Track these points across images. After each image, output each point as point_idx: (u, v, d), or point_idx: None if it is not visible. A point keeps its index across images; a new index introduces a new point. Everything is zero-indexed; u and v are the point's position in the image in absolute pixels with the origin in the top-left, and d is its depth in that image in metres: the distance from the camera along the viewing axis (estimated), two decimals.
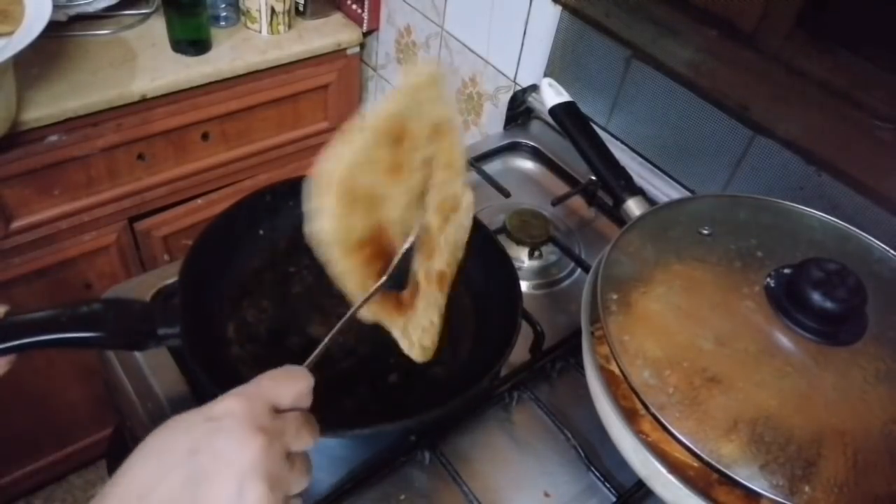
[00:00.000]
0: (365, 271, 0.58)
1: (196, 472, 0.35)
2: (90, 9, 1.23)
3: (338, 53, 1.43)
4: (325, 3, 1.45)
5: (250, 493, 0.35)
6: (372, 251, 0.58)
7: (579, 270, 0.90)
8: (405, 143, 0.59)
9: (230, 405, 0.37)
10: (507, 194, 0.96)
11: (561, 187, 1.03)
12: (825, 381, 0.53)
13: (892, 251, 0.64)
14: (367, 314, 0.60)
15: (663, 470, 0.53)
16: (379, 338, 0.63)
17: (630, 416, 0.56)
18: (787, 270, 0.59)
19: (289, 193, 0.81)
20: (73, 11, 1.21)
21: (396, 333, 0.63)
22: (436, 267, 0.64)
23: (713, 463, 0.50)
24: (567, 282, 0.91)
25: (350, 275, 0.58)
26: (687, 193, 0.94)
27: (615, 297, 0.60)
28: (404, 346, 0.63)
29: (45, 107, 1.11)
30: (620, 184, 0.80)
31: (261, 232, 0.79)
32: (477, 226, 0.80)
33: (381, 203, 0.59)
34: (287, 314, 0.75)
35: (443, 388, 0.69)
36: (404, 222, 0.61)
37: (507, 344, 0.67)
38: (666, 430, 0.51)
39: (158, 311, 0.62)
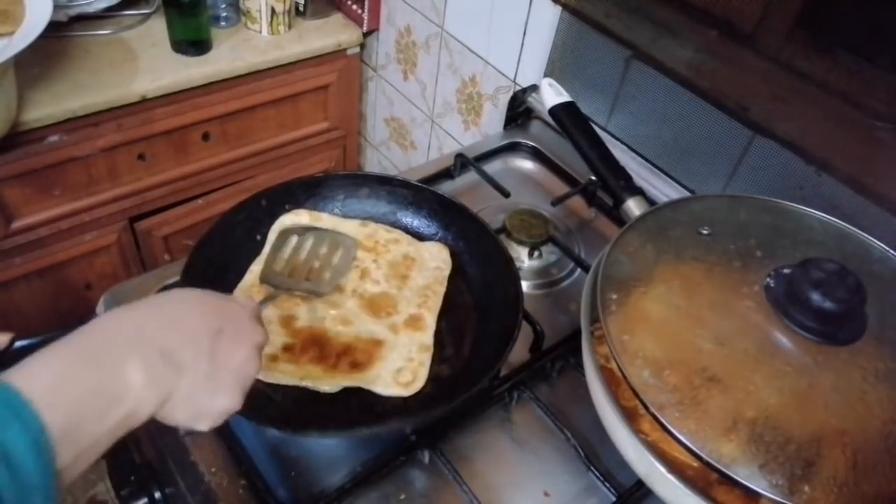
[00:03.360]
0: (319, 365, 0.69)
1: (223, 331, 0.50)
2: (90, 9, 1.24)
3: (338, 54, 1.43)
4: (325, 4, 1.45)
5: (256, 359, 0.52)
6: (314, 352, 0.70)
7: (579, 270, 0.90)
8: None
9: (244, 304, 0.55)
10: (506, 194, 0.96)
11: (561, 187, 1.03)
12: (825, 380, 0.53)
13: (891, 251, 0.64)
14: (328, 387, 0.67)
15: (663, 469, 0.53)
16: None
17: (630, 416, 0.56)
18: (786, 270, 0.59)
19: (284, 198, 0.82)
20: (73, 12, 1.21)
21: (367, 385, 0.68)
22: (401, 318, 0.74)
23: (713, 462, 0.50)
24: (567, 282, 0.91)
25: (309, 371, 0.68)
26: (687, 193, 0.94)
27: (615, 297, 0.60)
28: (379, 390, 0.67)
29: (46, 107, 1.11)
30: (620, 184, 0.80)
31: (258, 237, 0.79)
32: (479, 225, 0.81)
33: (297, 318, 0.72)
34: None
35: (446, 386, 0.69)
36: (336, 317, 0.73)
37: (508, 340, 0.67)
38: (666, 430, 0.51)
39: None
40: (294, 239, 0.75)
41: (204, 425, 0.49)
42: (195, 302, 0.51)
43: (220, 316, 0.50)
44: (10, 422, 0.35)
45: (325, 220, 0.82)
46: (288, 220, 0.81)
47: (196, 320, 0.49)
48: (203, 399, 0.47)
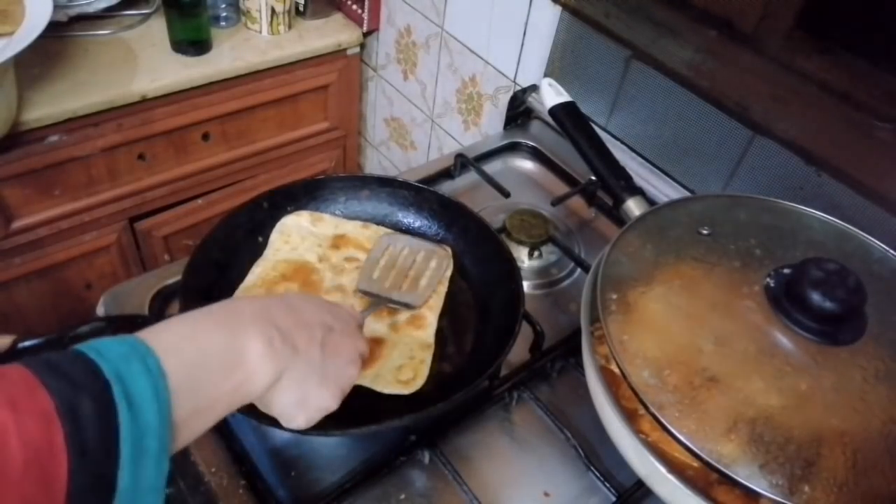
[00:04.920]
0: None
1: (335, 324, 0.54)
2: (90, 9, 1.24)
3: (338, 54, 1.44)
4: (325, 4, 1.45)
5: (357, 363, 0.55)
6: None
7: (579, 270, 0.90)
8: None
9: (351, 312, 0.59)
10: (507, 194, 0.96)
11: (561, 187, 1.03)
12: (825, 381, 0.53)
13: (892, 251, 0.64)
14: None
15: (663, 470, 0.53)
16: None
17: (630, 416, 0.56)
18: (786, 270, 0.59)
19: (286, 200, 0.82)
20: (73, 12, 1.21)
21: (367, 383, 0.67)
22: (403, 316, 0.74)
23: (713, 462, 0.50)
24: (567, 282, 0.91)
25: None
26: (687, 193, 0.94)
27: (615, 297, 0.60)
28: (380, 388, 0.67)
29: (46, 107, 1.11)
30: (620, 184, 0.80)
31: (259, 239, 0.79)
32: (479, 224, 0.81)
33: None
34: None
35: (448, 384, 0.69)
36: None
37: (510, 336, 0.67)
38: (666, 430, 0.51)
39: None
40: (389, 247, 0.77)
41: (301, 419, 0.50)
42: (312, 300, 0.55)
43: (332, 315, 0.54)
44: (134, 363, 0.38)
45: (326, 220, 0.82)
46: (290, 221, 0.81)
47: (312, 313, 0.52)
48: (310, 386, 0.50)
